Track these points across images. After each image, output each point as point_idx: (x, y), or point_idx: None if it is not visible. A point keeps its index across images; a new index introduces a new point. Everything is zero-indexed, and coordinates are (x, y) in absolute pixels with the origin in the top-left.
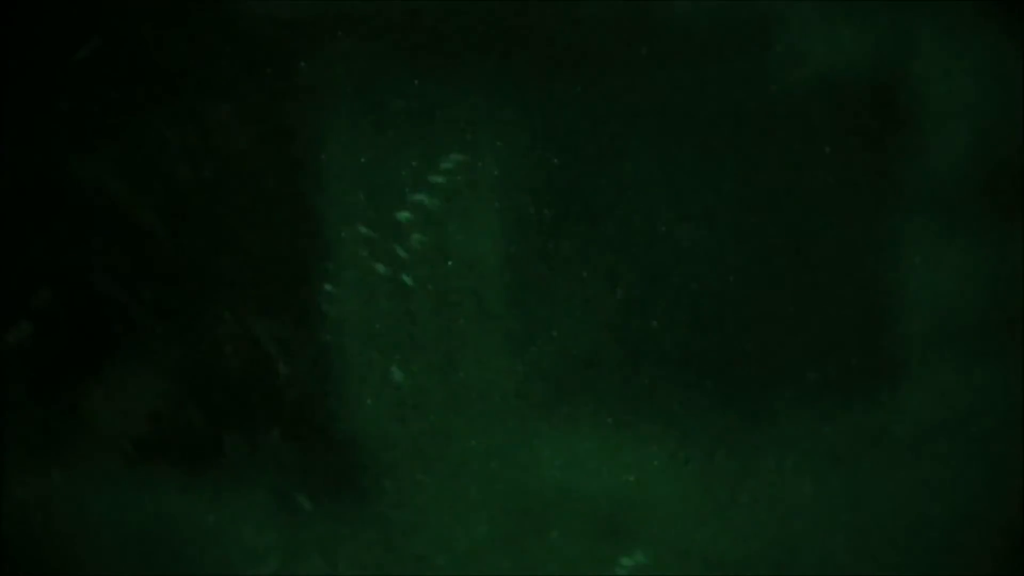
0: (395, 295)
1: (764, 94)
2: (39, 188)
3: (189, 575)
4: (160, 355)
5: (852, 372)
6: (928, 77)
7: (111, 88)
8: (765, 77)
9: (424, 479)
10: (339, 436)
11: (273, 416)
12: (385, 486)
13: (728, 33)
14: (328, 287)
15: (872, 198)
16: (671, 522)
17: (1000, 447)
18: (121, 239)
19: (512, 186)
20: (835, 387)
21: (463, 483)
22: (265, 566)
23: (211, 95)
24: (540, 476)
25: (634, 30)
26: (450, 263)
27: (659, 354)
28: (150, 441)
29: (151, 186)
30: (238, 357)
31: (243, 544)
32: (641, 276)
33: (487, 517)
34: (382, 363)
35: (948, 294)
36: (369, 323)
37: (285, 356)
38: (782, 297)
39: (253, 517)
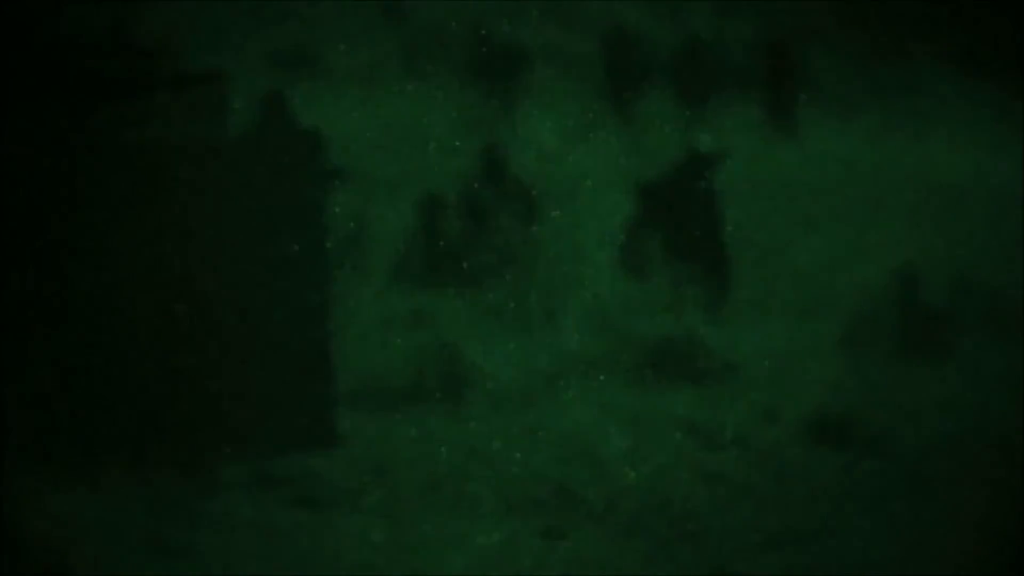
0: None
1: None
2: None
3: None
4: None
5: (290, 433)
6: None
7: None
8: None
9: None
10: None
11: None
12: None
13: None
14: None
15: (306, 259)
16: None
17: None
18: None
19: None
20: (273, 446)
21: None
22: None
23: None
24: None
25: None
26: None
27: (111, 408)
28: None
29: None
30: None
31: None
32: (84, 335)
33: None
34: None
35: (385, 356)
36: None
37: None
38: (218, 354)
39: None
